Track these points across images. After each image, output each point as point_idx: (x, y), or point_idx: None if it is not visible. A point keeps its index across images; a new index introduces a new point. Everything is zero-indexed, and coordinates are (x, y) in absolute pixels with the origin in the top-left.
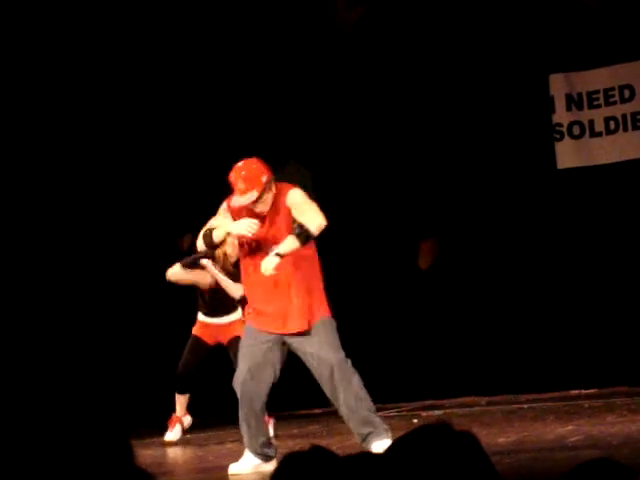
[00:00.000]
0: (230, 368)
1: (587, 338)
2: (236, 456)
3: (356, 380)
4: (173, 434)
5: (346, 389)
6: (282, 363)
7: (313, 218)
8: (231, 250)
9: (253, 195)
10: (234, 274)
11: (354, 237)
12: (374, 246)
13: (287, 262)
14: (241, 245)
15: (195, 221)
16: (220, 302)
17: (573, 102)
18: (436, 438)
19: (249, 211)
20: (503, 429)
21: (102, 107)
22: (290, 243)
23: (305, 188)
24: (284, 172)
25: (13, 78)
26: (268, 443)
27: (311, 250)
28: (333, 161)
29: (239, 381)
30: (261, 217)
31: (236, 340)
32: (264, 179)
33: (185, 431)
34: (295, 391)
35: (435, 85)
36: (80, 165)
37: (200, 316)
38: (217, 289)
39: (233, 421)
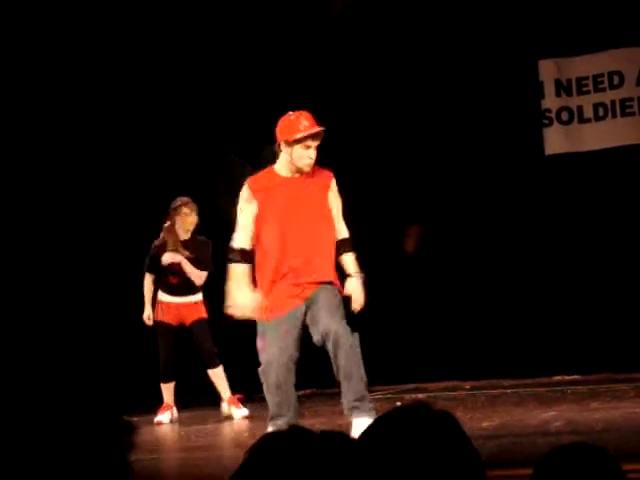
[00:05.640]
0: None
1: (571, 324)
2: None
3: (358, 352)
4: (163, 417)
5: (348, 358)
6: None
7: (346, 230)
8: (179, 224)
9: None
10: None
11: None
12: (360, 230)
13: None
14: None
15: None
16: (186, 283)
17: (562, 88)
18: (415, 418)
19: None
20: (486, 414)
21: (95, 93)
22: (354, 260)
23: None
24: (261, 156)
25: (12, 72)
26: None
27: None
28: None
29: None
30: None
31: (200, 322)
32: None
33: (172, 421)
34: None
35: (423, 70)
36: (71, 155)
37: (162, 295)
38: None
39: (215, 402)
